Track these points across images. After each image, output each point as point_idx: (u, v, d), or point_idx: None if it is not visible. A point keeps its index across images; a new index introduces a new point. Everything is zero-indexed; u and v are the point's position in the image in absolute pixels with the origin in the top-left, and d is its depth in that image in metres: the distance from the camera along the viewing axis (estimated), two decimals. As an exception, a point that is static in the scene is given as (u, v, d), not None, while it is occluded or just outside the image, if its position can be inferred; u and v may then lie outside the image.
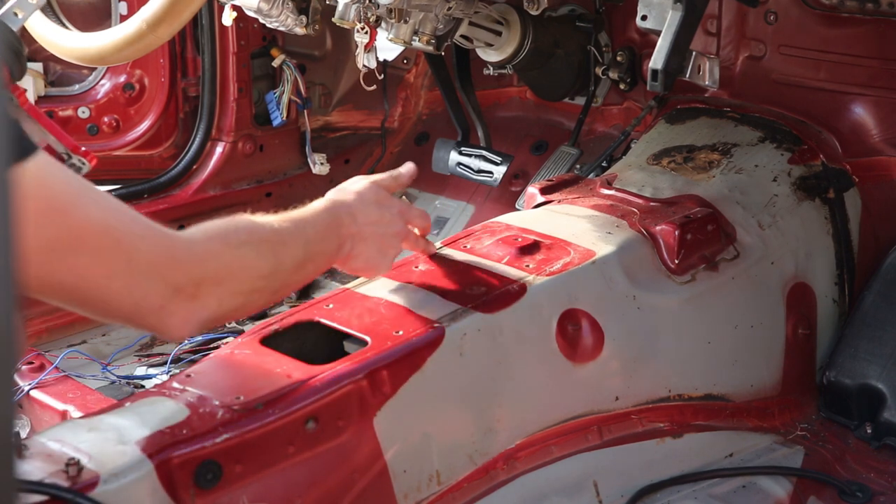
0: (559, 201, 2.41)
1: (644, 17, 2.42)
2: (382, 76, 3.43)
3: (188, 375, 1.75)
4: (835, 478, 2.15)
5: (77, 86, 3.26)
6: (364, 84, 2.78)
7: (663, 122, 2.77)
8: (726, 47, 2.81)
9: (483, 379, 1.93)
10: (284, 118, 3.35)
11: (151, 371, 2.79)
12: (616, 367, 2.11)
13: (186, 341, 2.89)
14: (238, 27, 3.20)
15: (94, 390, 2.61)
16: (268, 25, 2.90)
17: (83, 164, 2.16)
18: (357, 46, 2.64)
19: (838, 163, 2.62)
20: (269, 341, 1.85)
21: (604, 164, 2.94)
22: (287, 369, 1.76)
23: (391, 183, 1.97)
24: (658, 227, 2.24)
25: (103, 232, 1.47)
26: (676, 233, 2.23)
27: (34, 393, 2.56)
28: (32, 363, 2.64)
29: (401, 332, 1.85)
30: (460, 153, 3.13)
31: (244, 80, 3.29)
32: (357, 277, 2.03)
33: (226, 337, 2.87)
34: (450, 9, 2.61)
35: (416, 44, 2.63)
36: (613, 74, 3.04)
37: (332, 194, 1.90)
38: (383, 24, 2.60)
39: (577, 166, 3.11)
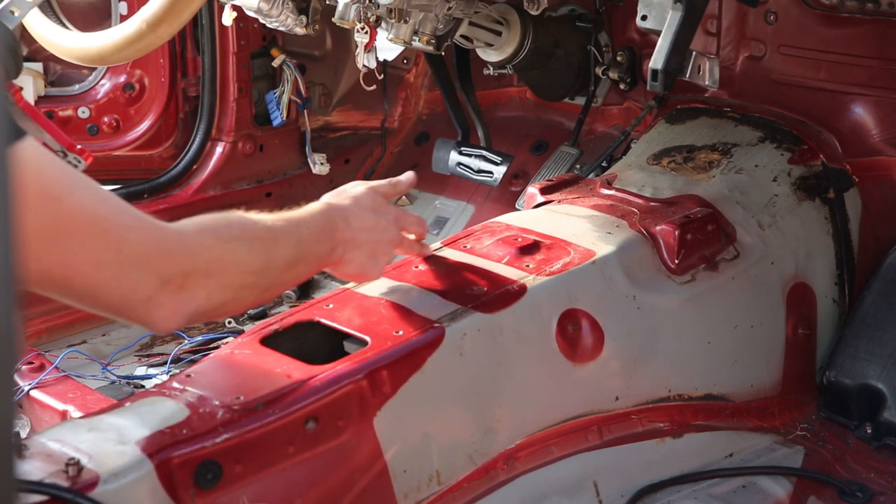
0: (559, 201, 2.41)
1: (644, 17, 2.42)
2: (382, 76, 3.44)
3: (188, 375, 1.75)
4: (835, 478, 2.15)
5: (77, 86, 3.26)
6: (364, 84, 2.78)
7: (663, 122, 2.77)
8: (726, 47, 2.81)
9: (483, 379, 1.93)
10: (284, 118, 3.35)
11: (151, 371, 2.79)
12: (616, 367, 2.11)
13: (186, 341, 2.89)
14: (238, 27, 3.20)
15: (94, 390, 2.61)
16: (268, 25, 2.90)
17: (79, 162, 2.16)
18: (357, 46, 2.64)
19: (838, 163, 2.62)
20: (269, 341, 1.85)
21: (604, 164, 2.94)
22: (287, 369, 1.76)
23: (389, 190, 1.96)
24: (658, 227, 2.24)
25: (92, 221, 1.46)
26: (676, 233, 2.23)
27: (34, 393, 2.56)
28: (32, 363, 2.64)
29: (401, 332, 1.85)
30: (460, 153, 3.13)
31: (244, 80, 3.29)
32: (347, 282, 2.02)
33: (226, 337, 2.87)
34: (450, 9, 2.61)
35: (416, 44, 2.63)
36: (613, 74, 3.04)
37: (329, 197, 1.89)
38: (383, 24, 2.60)
39: (577, 166, 3.11)
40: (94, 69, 3.23)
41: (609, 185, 2.45)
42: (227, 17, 2.85)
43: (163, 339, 2.95)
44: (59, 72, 3.27)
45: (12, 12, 2.48)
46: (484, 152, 3.10)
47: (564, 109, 3.33)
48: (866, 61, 2.62)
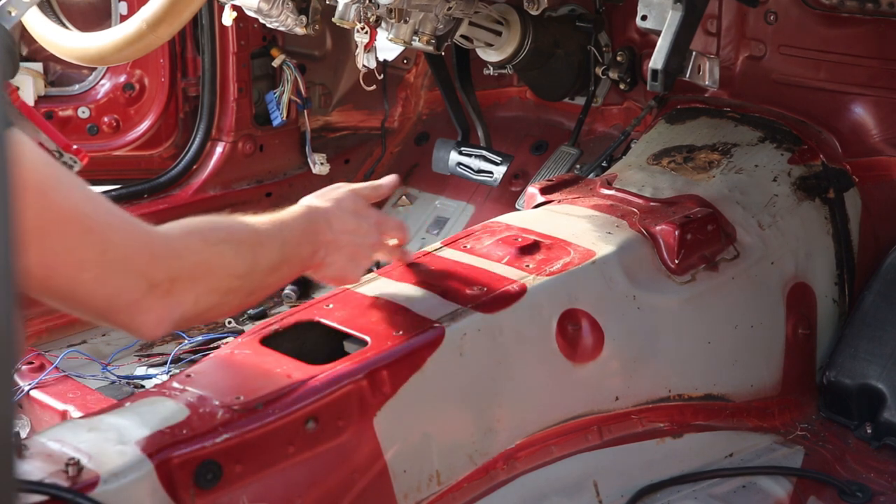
0: (559, 201, 2.41)
1: (644, 17, 2.42)
2: (382, 76, 3.44)
3: (188, 375, 1.75)
4: (835, 478, 2.15)
5: (77, 86, 3.26)
6: (364, 84, 2.78)
7: (663, 122, 2.77)
8: (726, 47, 2.81)
9: (483, 379, 1.93)
10: (284, 118, 3.35)
11: (151, 371, 2.79)
12: (616, 367, 2.11)
13: (186, 341, 2.89)
14: (238, 27, 3.20)
15: (94, 390, 2.61)
16: (268, 25, 2.90)
17: (75, 161, 2.16)
18: (357, 46, 2.64)
19: (838, 163, 2.62)
20: (269, 341, 1.85)
21: (604, 164, 2.94)
22: (287, 369, 1.76)
23: (370, 193, 1.95)
24: (658, 227, 2.24)
25: (76, 218, 1.44)
26: (676, 233, 2.23)
27: (34, 393, 2.56)
28: (32, 363, 2.64)
29: (401, 332, 1.85)
30: (460, 153, 3.13)
31: (244, 80, 3.29)
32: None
33: (226, 337, 2.87)
34: (450, 9, 2.61)
35: (416, 44, 2.63)
36: (613, 74, 3.04)
37: (310, 200, 1.88)
38: (383, 24, 2.60)
39: (577, 166, 3.11)
40: (94, 69, 3.23)
41: (609, 185, 2.45)
42: (227, 17, 2.85)
43: (163, 339, 2.95)
44: (59, 72, 3.27)
45: (10, 12, 2.48)
46: (484, 152, 3.10)
47: (564, 109, 3.33)
48: (866, 61, 2.62)
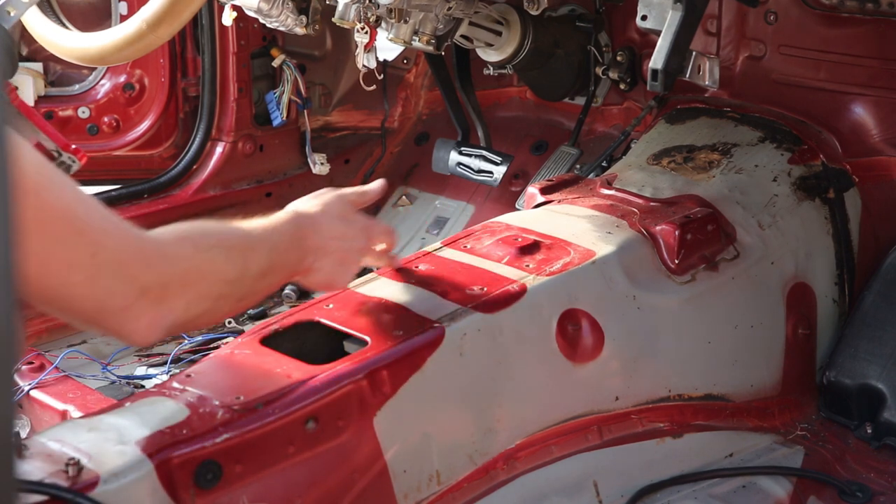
0: (559, 201, 2.41)
1: (644, 17, 2.42)
2: (382, 76, 3.44)
3: (188, 375, 1.75)
4: (835, 478, 2.15)
5: (77, 86, 3.26)
6: (364, 84, 2.78)
7: (663, 122, 2.77)
8: (726, 47, 2.81)
9: (483, 379, 1.93)
10: (284, 118, 3.35)
11: (151, 371, 2.79)
12: (616, 367, 2.11)
13: (186, 341, 2.89)
14: (238, 27, 3.19)
15: (94, 390, 2.61)
16: (268, 25, 2.90)
17: (73, 161, 2.16)
18: (357, 46, 2.64)
19: (838, 163, 2.62)
20: (269, 341, 1.85)
21: (604, 164, 2.94)
22: (287, 369, 1.76)
23: (357, 198, 1.94)
24: (658, 227, 2.24)
25: (67, 219, 1.43)
26: (676, 233, 2.23)
27: (34, 393, 2.56)
28: (32, 363, 2.64)
29: (401, 332, 1.85)
30: (460, 153, 3.13)
31: (244, 80, 3.29)
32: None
33: (226, 337, 2.87)
34: (450, 9, 2.61)
35: (416, 44, 2.63)
36: (613, 74, 3.04)
37: (297, 205, 1.87)
38: (383, 24, 2.60)
39: (577, 166, 3.11)
40: (94, 69, 3.23)
41: (609, 185, 2.45)
42: (227, 17, 2.85)
43: (162, 339, 2.94)
44: (59, 72, 3.27)
45: (9, 12, 2.48)
46: (484, 152, 3.10)
47: (564, 109, 3.33)
48: (866, 61, 2.62)
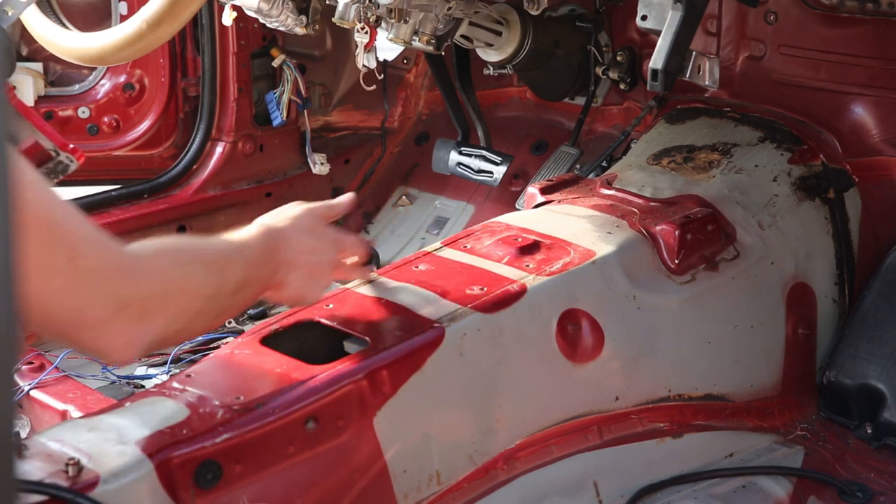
0: (559, 201, 2.41)
1: (644, 17, 2.42)
2: (382, 76, 3.44)
3: (188, 375, 1.75)
4: (835, 478, 2.15)
5: (77, 86, 3.26)
6: (364, 84, 2.78)
7: (663, 122, 2.77)
8: (726, 47, 2.81)
9: (483, 379, 1.93)
10: (284, 118, 3.35)
11: (151, 371, 2.79)
12: (616, 367, 2.11)
13: (187, 341, 2.89)
14: (238, 27, 3.19)
15: (94, 390, 2.61)
16: (268, 25, 2.90)
17: (71, 161, 2.15)
18: (357, 46, 2.64)
19: (838, 163, 2.62)
20: (269, 341, 1.85)
21: (604, 164, 2.94)
22: (287, 369, 1.76)
23: (327, 212, 1.92)
24: (658, 227, 2.24)
25: (45, 222, 1.40)
26: (676, 233, 2.23)
27: (34, 393, 2.56)
28: (32, 363, 2.64)
29: (401, 332, 1.85)
30: (460, 153, 3.13)
31: (244, 80, 3.29)
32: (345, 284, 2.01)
33: (226, 337, 2.87)
34: (450, 9, 2.61)
35: (416, 44, 2.63)
36: (613, 74, 3.04)
37: (266, 219, 1.84)
38: (383, 24, 2.60)
39: (577, 166, 3.11)
40: (94, 69, 3.23)
41: (609, 185, 2.45)
42: (227, 17, 2.85)
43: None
44: (59, 72, 3.27)
45: (6, 11, 2.47)
46: (484, 152, 3.10)
47: (564, 109, 3.33)
48: (866, 61, 2.62)
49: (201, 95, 3.28)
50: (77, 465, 1.49)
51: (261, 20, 2.86)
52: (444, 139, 3.20)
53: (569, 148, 3.19)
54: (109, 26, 2.69)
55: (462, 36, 2.77)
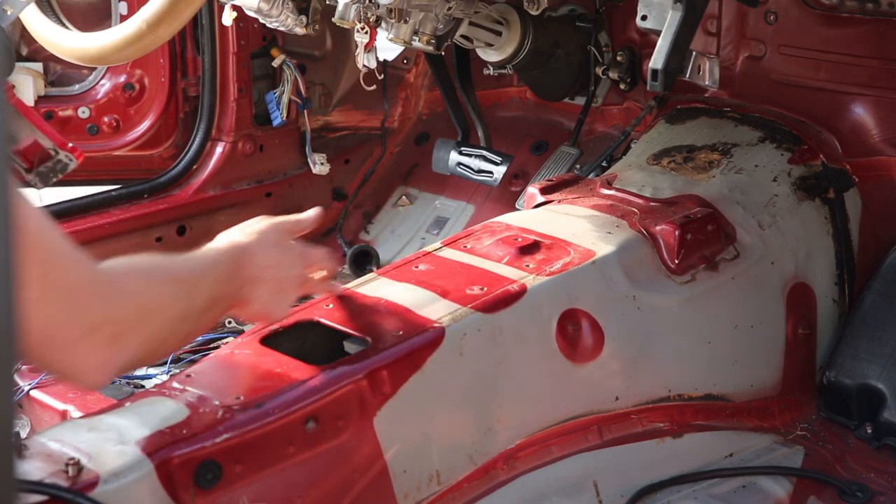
0: (559, 201, 2.41)
1: (644, 17, 2.42)
2: (382, 76, 3.43)
3: (188, 375, 1.75)
4: (835, 478, 2.15)
5: (77, 86, 3.26)
6: (364, 84, 2.78)
7: (663, 122, 2.77)
8: (726, 47, 2.81)
9: (483, 379, 1.93)
10: (284, 118, 3.35)
11: (151, 371, 2.79)
12: (616, 367, 2.11)
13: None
14: (238, 27, 3.19)
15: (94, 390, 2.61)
16: (268, 25, 2.90)
17: (70, 159, 2.15)
18: (357, 46, 2.64)
19: (838, 163, 2.62)
20: (269, 341, 1.85)
21: (604, 164, 2.94)
22: (287, 369, 1.76)
23: (293, 226, 1.89)
24: (658, 227, 2.24)
25: (19, 234, 1.32)
26: (676, 233, 2.23)
27: (34, 393, 2.55)
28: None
29: (401, 332, 1.85)
30: (460, 153, 3.13)
31: (244, 80, 3.29)
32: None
33: (226, 337, 2.87)
34: (450, 9, 2.61)
35: (416, 44, 2.63)
36: (613, 74, 3.04)
37: (231, 234, 1.81)
38: (383, 24, 2.60)
39: (577, 166, 3.11)
40: (94, 69, 3.23)
41: (609, 185, 2.45)
42: (227, 17, 2.85)
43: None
44: (59, 72, 3.27)
45: (6, 10, 2.47)
46: (484, 152, 3.10)
47: (564, 109, 3.33)
48: (866, 61, 2.62)
49: (201, 95, 3.28)
50: (77, 465, 1.49)
51: (261, 20, 2.86)
52: (444, 139, 3.20)
53: (569, 148, 3.19)
54: (109, 26, 2.69)
55: (462, 36, 2.77)
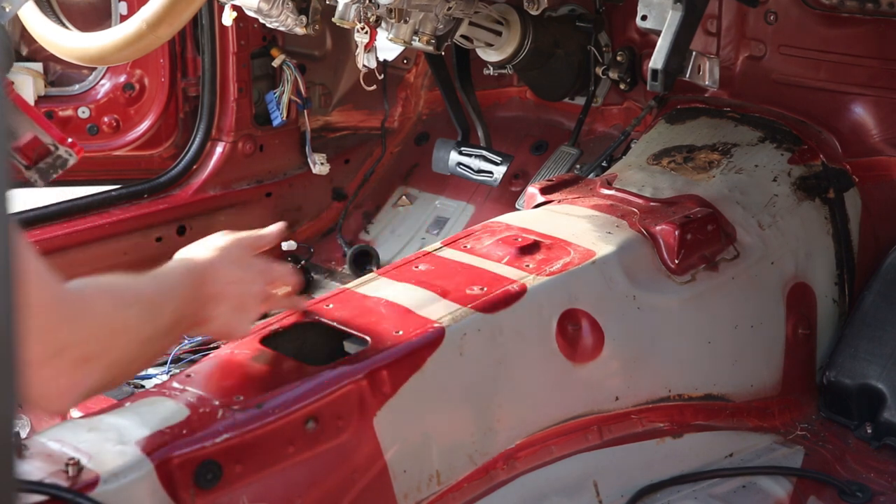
0: (559, 201, 2.41)
1: (644, 17, 2.42)
2: (382, 76, 3.43)
3: (188, 375, 1.75)
4: (835, 478, 2.15)
5: (77, 86, 3.26)
6: (364, 84, 2.78)
7: (663, 122, 2.77)
8: (726, 47, 2.81)
9: (483, 379, 1.93)
10: (284, 118, 3.35)
11: (151, 371, 2.79)
12: (616, 367, 2.11)
13: (186, 341, 2.88)
14: (238, 27, 3.19)
15: (94, 390, 2.61)
16: (268, 25, 2.90)
17: (70, 155, 2.14)
18: (357, 46, 2.64)
19: (838, 163, 2.62)
20: (269, 341, 1.85)
21: (604, 164, 2.94)
22: (287, 369, 1.76)
23: (255, 242, 1.84)
24: (658, 227, 2.24)
25: None
26: (676, 233, 2.23)
27: (34, 393, 2.55)
28: (32, 363, 2.63)
29: (401, 332, 1.85)
30: (460, 153, 3.13)
31: (244, 80, 3.29)
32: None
33: (225, 337, 2.86)
34: (450, 9, 2.61)
35: (416, 44, 2.63)
36: (613, 74, 3.04)
37: (191, 251, 1.78)
38: (383, 24, 2.60)
39: (577, 166, 3.11)
40: (93, 69, 3.23)
41: (609, 185, 2.45)
42: (227, 17, 2.85)
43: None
44: (59, 72, 3.27)
45: (4, 7, 2.47)
46: (484, 152, 3.10)
47: (564, 109, 3.33)
48: (866, 61, 2.62)
49: (201, 95, 3.28)
50: (77, 465, 1.49)
51: (261, 20, 2.86)
52: (444, 139, 3.20)
53: (569, 148, 3.19)
54: (109, 26, 2.69)
55: (462, 36, 2.77)
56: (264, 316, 1.93)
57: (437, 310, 1.92)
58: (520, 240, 2.14)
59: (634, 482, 2.04)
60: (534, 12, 2.69)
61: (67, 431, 1.59)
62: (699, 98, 2.82)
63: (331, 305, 1.94)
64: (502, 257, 2.10)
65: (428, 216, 3.40)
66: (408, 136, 3.63)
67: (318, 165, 3.42)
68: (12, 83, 2.93)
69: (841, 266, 2.53)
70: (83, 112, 3.23)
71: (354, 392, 1.75)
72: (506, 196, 3.27)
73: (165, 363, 2.79)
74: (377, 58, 2.69)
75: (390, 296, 1.96)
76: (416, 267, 2.07)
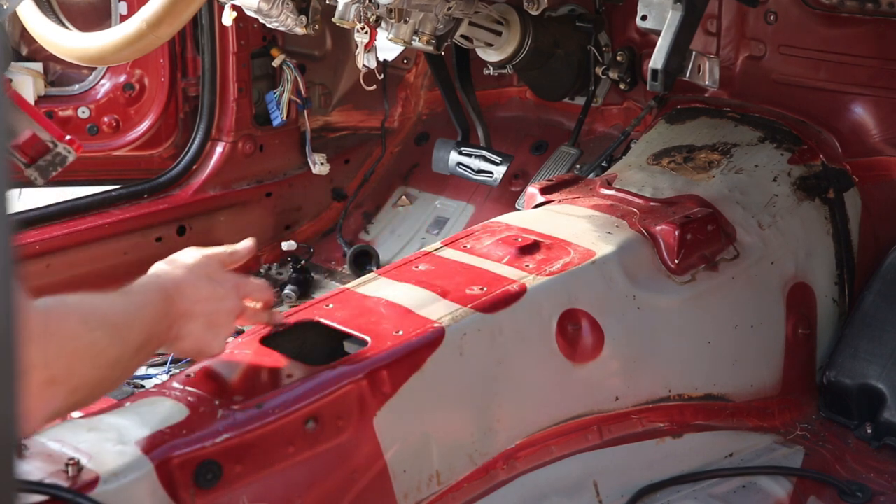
0: (559, 201, 2.41)
1: (644, 17, 2.42)
2: (382, 76, 3.43)
3: (188, 375, 1.75)
4: (835, 478, 2.15)
5: (77, 86, 3.26)
6: (364, 84, 2.78)
7: (663, 122, 2.77)
8: (726, 47, 2.81)
9: (483, 379, 1.93)
10: (284, 118, 3.35)
11: (151, 371, 2.79)
12: (616, 367, 2.11)
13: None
14: (238, 27, 3.19)
15: (94, 390, 2.60)
16: (268, 25, 2.90)
17: (69, 151, 2.14)
18: (357, 46, 2.64)
19: (838, 163, 2.62)
20: (269, 341, 1.85)
21: (604, 164, 2.94)
22: (287, 369, 1.76)
23: (226, 258, 1.80)
24: (658, 227, 2.24)
25: None
26: (676, 233, 2.23)
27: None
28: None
29: (401, 332, 1.85)
30: (460, 153, 3.13)
31: (244, 80, 3.29)
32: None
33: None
34: (450, 9, 2.61)
35: (416, 44, 2.63)
36: (613, 74, 3.04)
37: (160, 268, 1.72)
38: (383, 24, 2.60)
39: (577, 166, 3.11)
40: (93, 69, 3.23)
41: (609, 185, 2.45)
42: (227, 17, 2.85)
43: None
44: (59, 72, 3.27)
45: (2, 5, 2.47)
46: (484, 152, 3.10)
47: (564, 109, 3.33)
48: (866, 61, 2.62)
49: (201, 95, 3.28)
50: (77, 465, 1.49)
51: (261, 20, 2.86)
52: (444, 139, 3.20)
53: (569, 148, 3.19)
54: (109, 26, 2.69)
55: (462, 36, 2.77)
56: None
57: (437, 310, 1.92)
58: (520, 240, 2.14)
59: (634, 482, 2.04)
60: (534, 12, 2.69)
61: (67, 431, 1.59)
62: (699, 98, 2.82)
63: (331, 305, 1.94)
64: (502, 257, 2.10)
65: (428, 216, 3.40)
66: (408, 136, 3.63)
67: (318, 165, 3.42)
68: (10, 81, 2.93)
69: (841, 266, 2.53)
70: (83, 112, 3.23)
71: (354, 392, 1.75)
72: (506, 196, 3.27)
73: (165, 363, 2.79)
74: (377, 58, 2.69)
75: (390, 296, 1.96)
76: (416, 267, 2.07)
